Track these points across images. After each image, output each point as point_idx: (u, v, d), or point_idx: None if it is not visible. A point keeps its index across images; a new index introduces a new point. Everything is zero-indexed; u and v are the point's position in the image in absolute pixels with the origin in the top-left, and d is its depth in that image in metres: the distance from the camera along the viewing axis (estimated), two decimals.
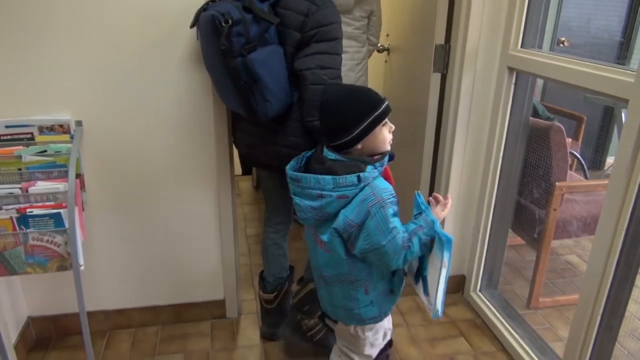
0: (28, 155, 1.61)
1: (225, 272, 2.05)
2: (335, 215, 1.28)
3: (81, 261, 1.65)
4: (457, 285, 2.35)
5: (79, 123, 1.71)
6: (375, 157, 1.32)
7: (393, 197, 1.27)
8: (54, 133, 1.68)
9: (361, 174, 1.25)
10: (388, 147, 1.35)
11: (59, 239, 1.59)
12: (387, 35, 2.73)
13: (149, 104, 1.76)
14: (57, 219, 1.57)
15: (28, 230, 1.56)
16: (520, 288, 2.42)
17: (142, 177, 1.85)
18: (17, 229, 1.55)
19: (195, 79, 1.75)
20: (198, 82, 1.75)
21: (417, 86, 2.35)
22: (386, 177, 1.34)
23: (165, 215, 1.92)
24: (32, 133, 1.66)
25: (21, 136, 1.65)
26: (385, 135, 1.32)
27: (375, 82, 3.30)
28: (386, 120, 1.31)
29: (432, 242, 1.32)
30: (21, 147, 1.63)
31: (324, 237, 1.32)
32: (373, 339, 1.52)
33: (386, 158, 1.33)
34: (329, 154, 1.31)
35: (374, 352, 1.56)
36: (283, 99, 1.51)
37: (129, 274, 1.99)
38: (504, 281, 2.39)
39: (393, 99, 2.78)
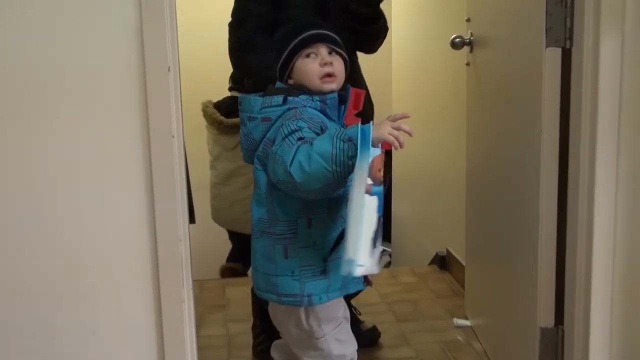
0: None
1: None
2: (261, 142, 1.26)
3: None
4: None
5: None
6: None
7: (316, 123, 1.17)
8: None
9: (289, 97, 1.23)
10: (319, 83, 1.24)
11: None
12: (468, 20, 1.95)
13: None
14: None
15: None
16: None
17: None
18: None
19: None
20: None
21: (519, 76, 1.57)
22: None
23: None
24: None
25: None
26: (309, 67, 1.24)
27: (453, 95, 2.49)
28: (310, 52, 1.24)
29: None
30: None
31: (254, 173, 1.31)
32: (334, 332, 1.30)
33: (332, 95, 1.23)
34: (278, 84, 1.31)
35: (346, 350, 1.32)
36: None
37: None
38: None
39: (484, 110, 2.00)
